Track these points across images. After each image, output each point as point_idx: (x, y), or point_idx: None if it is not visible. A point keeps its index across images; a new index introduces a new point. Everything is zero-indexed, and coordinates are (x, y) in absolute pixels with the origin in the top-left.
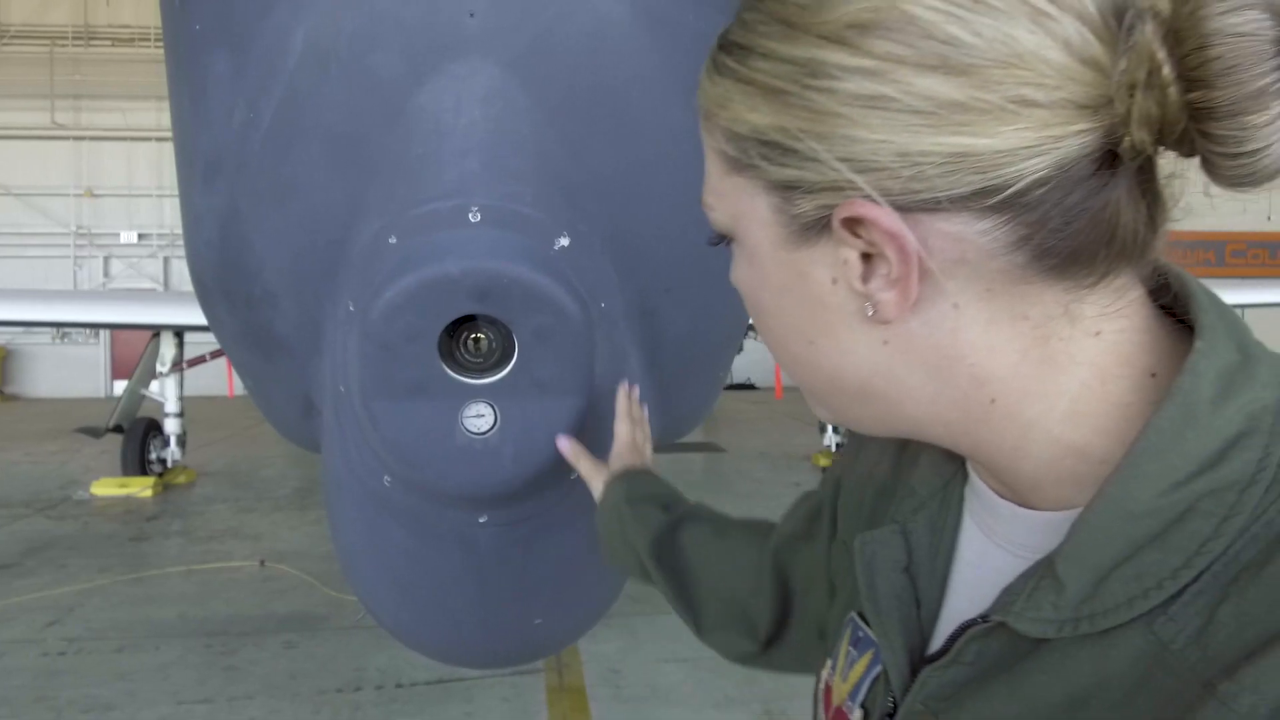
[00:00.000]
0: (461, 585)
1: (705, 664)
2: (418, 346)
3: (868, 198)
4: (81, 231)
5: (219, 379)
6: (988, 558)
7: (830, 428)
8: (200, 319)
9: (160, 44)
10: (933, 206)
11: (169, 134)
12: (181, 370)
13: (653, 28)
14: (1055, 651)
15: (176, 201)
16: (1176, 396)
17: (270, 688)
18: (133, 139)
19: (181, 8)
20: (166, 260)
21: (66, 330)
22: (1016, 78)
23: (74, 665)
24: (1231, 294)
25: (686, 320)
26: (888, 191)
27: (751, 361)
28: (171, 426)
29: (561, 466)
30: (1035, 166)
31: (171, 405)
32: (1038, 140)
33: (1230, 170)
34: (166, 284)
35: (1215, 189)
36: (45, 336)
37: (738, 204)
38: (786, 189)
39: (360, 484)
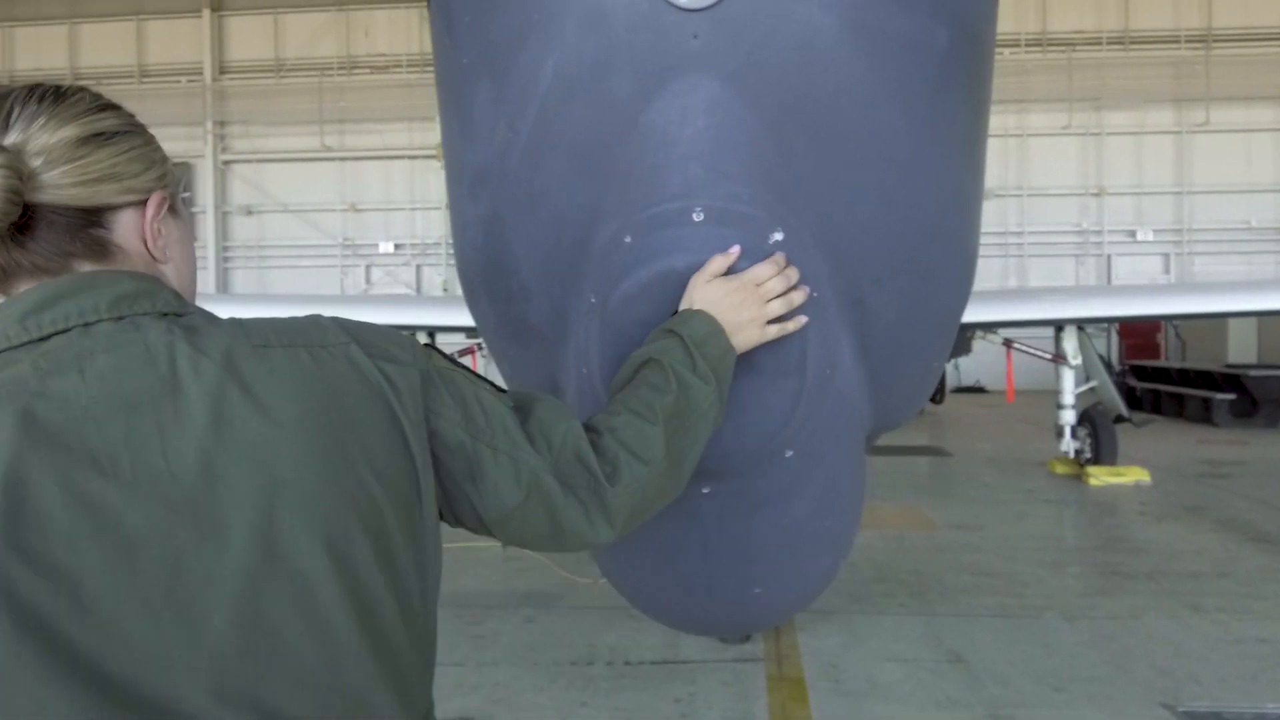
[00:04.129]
0: (687, 553)
1: (926, 664)
2: (649, 333)
3: None
4: (347, 243)
5: None
6: None
7: (1068, 434)
8: (449, 320)
9: (411, 69)
10: None
11: (420, 152)
12: None
13: (858, 36)
14: None
15: (428, 214)
16: None
17: (513, 656)
18: (389, 158)
19: (451, 45)
20: (419, 268)
21: None
22: None
23: None
24: None
25: (895, 310)
26: None
27: (981, 364)
28: None
29: (778, 444)
30: None
31: None
32: None
33: None
34: (419, 289)
35: None
36: None
37: None
38: None
39: None
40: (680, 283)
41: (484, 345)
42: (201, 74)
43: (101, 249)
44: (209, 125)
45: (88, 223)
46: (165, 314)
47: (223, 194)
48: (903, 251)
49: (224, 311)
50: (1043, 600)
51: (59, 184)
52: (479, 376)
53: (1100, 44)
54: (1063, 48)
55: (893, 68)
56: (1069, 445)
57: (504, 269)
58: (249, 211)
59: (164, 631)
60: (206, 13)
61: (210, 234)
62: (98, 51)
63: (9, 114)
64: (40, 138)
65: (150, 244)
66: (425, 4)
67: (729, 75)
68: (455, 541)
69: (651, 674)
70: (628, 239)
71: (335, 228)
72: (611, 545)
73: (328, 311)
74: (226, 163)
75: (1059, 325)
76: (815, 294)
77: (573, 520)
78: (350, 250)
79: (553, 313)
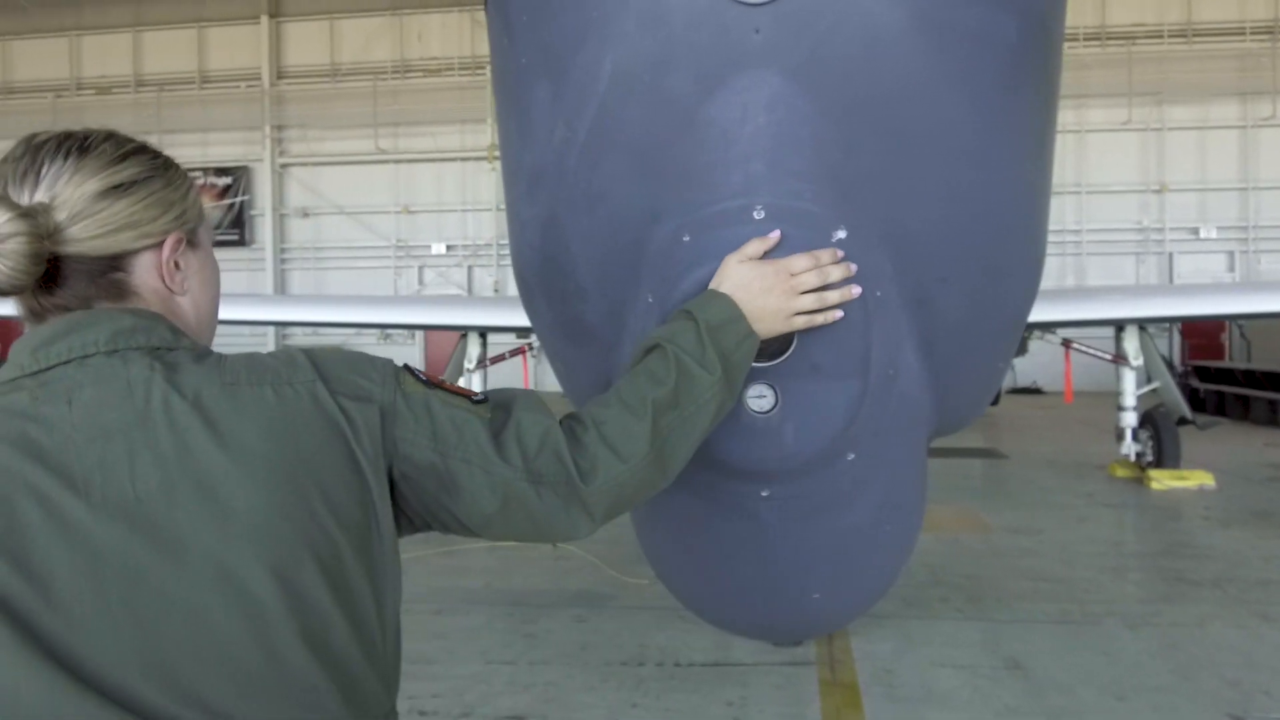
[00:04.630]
0: (744, 555)
1: (983, 671)
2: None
3: None
4: (400, 244)
5: (517, 375)
6: None
7: (1130, 435)
8: (499, 321)
9: (463, 72)
10: None
11: (471, 154)
12: (485, 367)
13: (925, 29)
14: None
15: (479, 215)
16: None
17: (564, 656)
18: (441, 160)
19: (509, 45)
20: (470, 269)
21: (389, 332)
22: None
23: (402, 623)
24: None
25: (962, 309)
26: None
27: (1038, 364)
28: None
29: (839, 446)
30: None
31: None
32: None
33: None
34: (470, 290)
35: None
36: (372, 337)
37: None
38: None
39: None
40: None
41: (534, 345)
42: (260, 79)
43: (119, 290)
44: (267, 129)
45: (108, 268)
46: (157, 348)
47: (280, 197)
48: (970, 249)
49: (282, 312)
50: (1103, 607)
51: (80, 237)
52: (457, 392)
53: (1162, 37)
54: (1122, 41)
55: (960, 61)
56: (1130, 448)
57: (561, 269)
58: (305, 214)
59: (122, 634)
60: (265, 19)
61: (268, 236)
62: (161, 58)
63: (40, 169)
64: (65, 193)
65: (167, 280)
66: (482, 6)
67: (791, 70)
68: (507, 541)
69: (703, 676)
70: (686, 238)
71: (389, 229)
72: (666, 548)
73: (381, 312)
74: (284, 166)
75: (1120, 325)
76: (879, 293)
77: (551, 517)
78: (403, 252)
79: (609, 313)
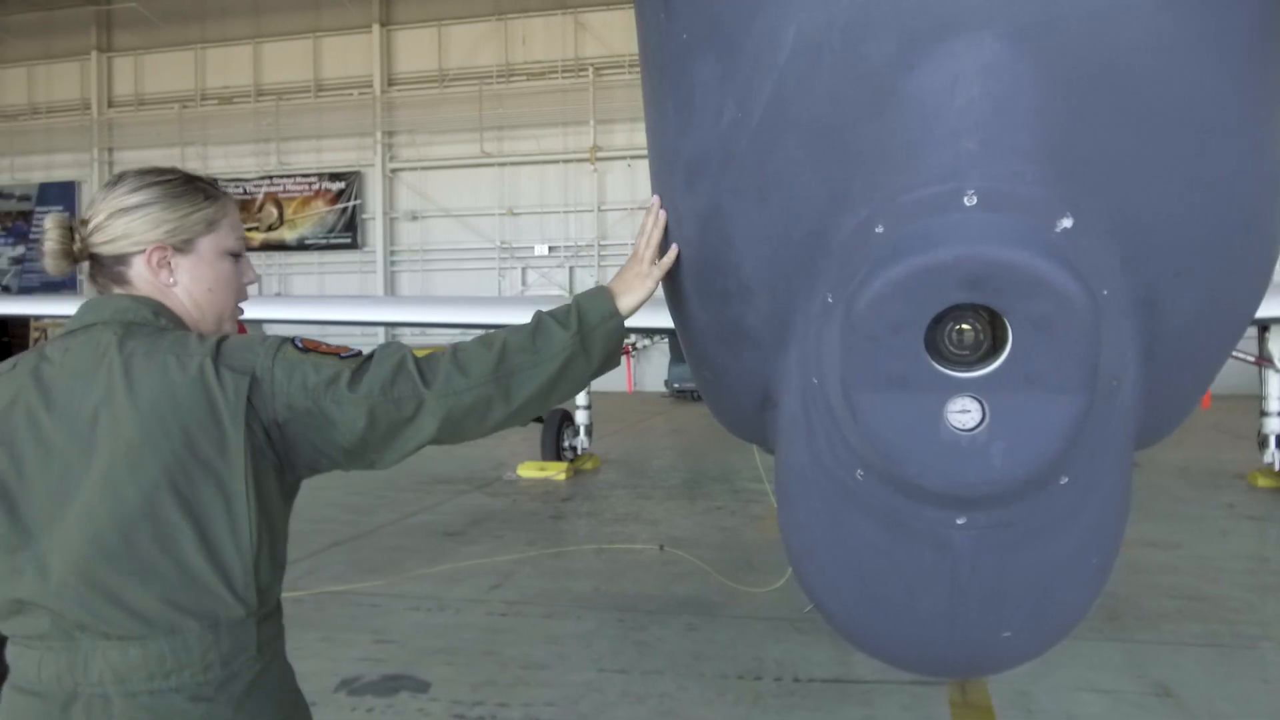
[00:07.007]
0: (931, 589)
1: (1129, 697)
2: (903, 338)
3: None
4: (504, 246)
5: (619, 376)
6: None
7: (1274, 443)
8: None
9: (566, 75)
10: None
11: (573, 156)
12: None
13: None
14: None
15: (580, 217)
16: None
17: (677, 666)
18: (544, 162)
19: (667, 20)
20: (571, 270)
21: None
22: None
23: (513, 626)
24: None
25: (1193, 309)
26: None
27: None
28: (582, 418)
29: (1054, 470)
30: None
31: (582, 399)
32: None
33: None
34: (571, 290)
35: None
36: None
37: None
38: None
39: (828, 477)
40: (947, 280)
41: (636, 345)
42: (371, 87)
43: (121, 279)
44: (378, 135)
45: (115, 263)
46: (134, 322)
47: (390, 201)
48: (1212, 239)
49: (391, 313)
50: (1258, 629)
51: (97, 243)
52: (329, 352)
53: None
54: None
55: (1209, 20)
56: (1274, 456)
57: (721, 267)
58: (414, 217)
59: (54, 505)
60: (376, 28)
61: (379, 239)
62: (279, 69)
63: (94, 199)
64: (97, 212)
65: (153, 276)
66: (584, 8)
67: (1012, 32)
68: (614, 543)
69: (824, 693)
70: (879, 229)
71: (493, 231)
72: (827, 570)
73: (486, 312)
74: (394, 170)
75: (1264, 325)
76: (1106, 291)
77: (408, 421)
78: (507, 253)
79: (775, 315)
